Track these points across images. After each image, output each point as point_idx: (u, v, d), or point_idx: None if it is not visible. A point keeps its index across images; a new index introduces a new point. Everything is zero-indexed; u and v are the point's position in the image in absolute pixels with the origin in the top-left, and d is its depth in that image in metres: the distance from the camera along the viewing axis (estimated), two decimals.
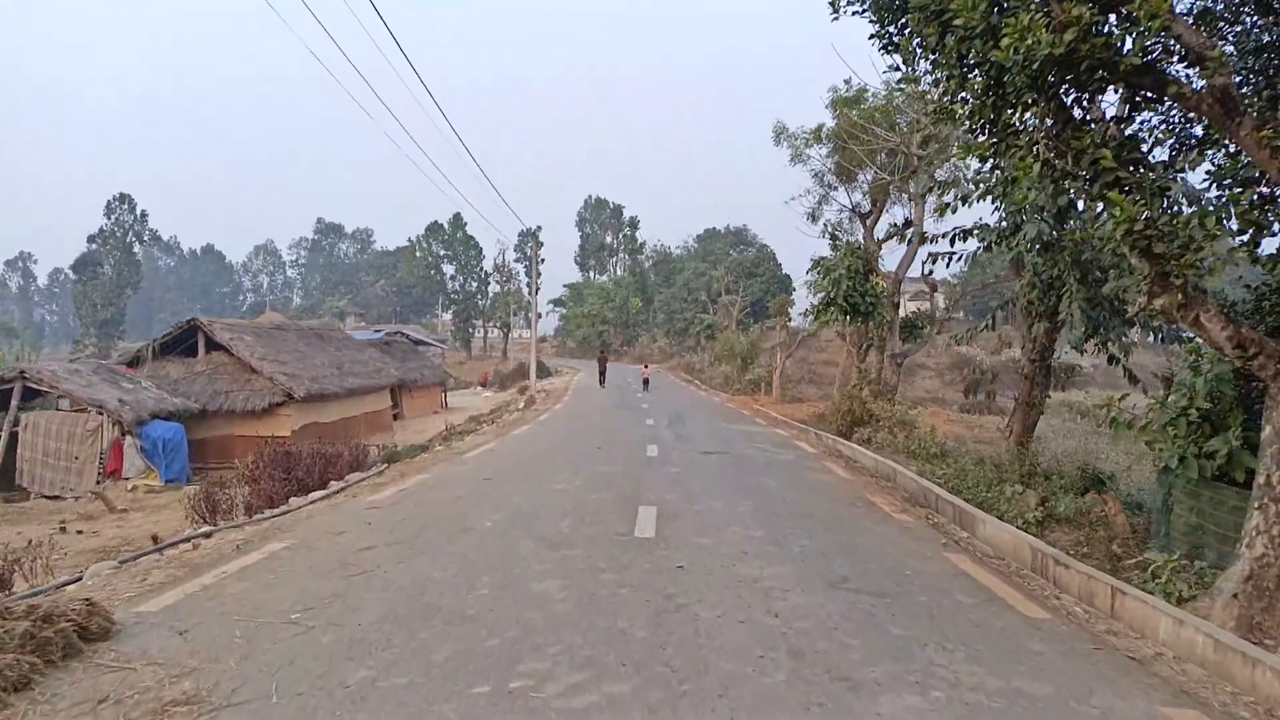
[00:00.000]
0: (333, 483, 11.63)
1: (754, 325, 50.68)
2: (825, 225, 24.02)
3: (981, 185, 9.99)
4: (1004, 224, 11.51)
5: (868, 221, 26.14)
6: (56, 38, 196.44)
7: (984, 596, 6.00)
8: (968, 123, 6.62)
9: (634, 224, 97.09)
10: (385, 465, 13.19)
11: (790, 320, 40.45)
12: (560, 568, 6.22)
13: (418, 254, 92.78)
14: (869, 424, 19.40)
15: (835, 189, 26.55)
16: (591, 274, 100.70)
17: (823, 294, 21.38)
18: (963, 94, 6.33)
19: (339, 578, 5.89)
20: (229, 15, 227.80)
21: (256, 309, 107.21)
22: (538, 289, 33.04)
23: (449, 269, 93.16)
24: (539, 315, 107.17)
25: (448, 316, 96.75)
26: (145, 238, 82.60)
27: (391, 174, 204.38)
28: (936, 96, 7.45)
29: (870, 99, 24.20)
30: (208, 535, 7.92)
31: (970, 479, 10.54)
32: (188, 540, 7.55)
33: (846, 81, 24.48)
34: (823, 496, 10.35)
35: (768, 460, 13.59)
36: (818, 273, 21.68)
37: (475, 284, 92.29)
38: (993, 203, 10.24)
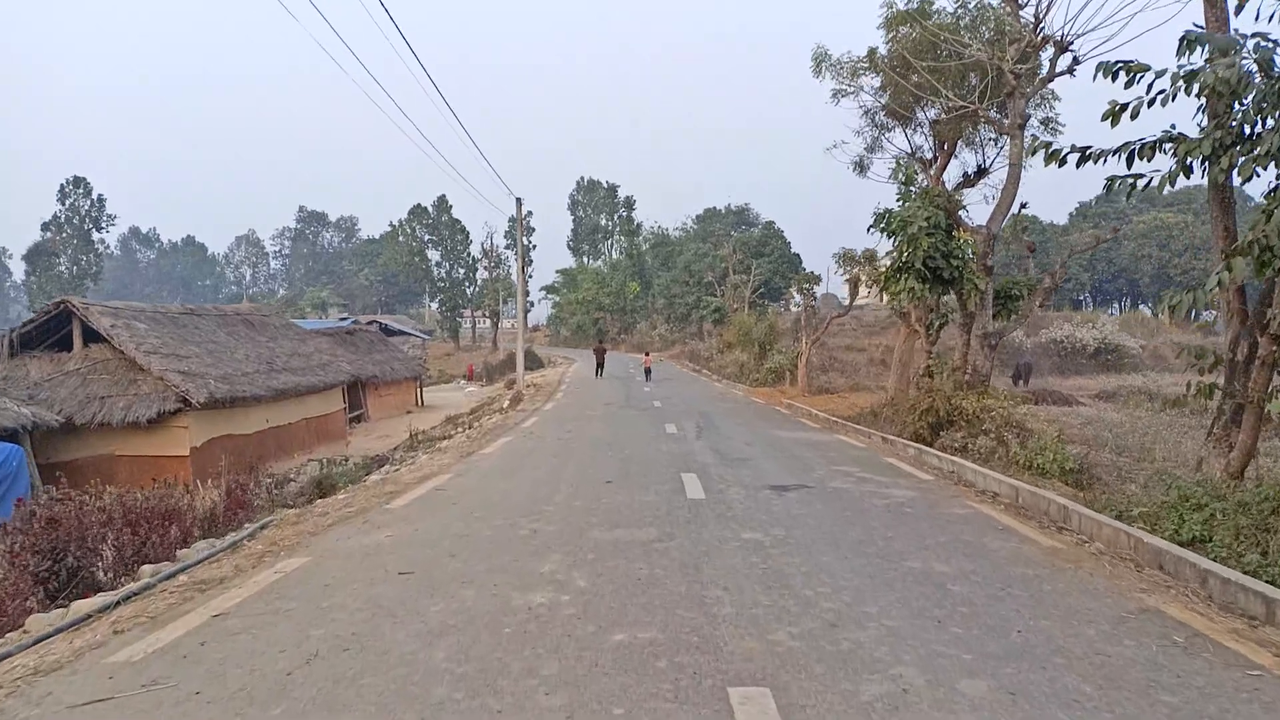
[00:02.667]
0: (145, 569, 6.41)
1: (771, 307, 45.56)
2: (898, 163, 18.73)
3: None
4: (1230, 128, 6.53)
5: (932, 169, 20.98)
6: (20, 18, 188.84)
7: None
8: None
9: (630, 204, 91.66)
10: (261, 526, 7.94)
11: (815, 299, 35.24)
12: None
13: (400, 239, 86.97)
14: (958, 425, 14.46)
15: (890, 129, 21.31)
16: (585, 259, 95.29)
17: (894, 257, 16.25)
18: None
19: None
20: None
21: (235, 301, 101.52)
22: (525, 266, 27.74)
23: (434, 255, 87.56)
24: (526, 297, 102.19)
25: (434, 306, 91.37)
26: (104, 224, 76.55)
27: (376, 159, 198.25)
28: None
29: (936, 14, 19.06)
30: None
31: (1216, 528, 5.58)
32: None
33: None
34: (1059, 606, 5.18)
35: (885, 503, 8.42)
36: (884, 229, 16.51)
37: (462, 271, 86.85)
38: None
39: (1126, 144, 7.27)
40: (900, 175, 16.32)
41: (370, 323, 49.93)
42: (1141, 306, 75.06)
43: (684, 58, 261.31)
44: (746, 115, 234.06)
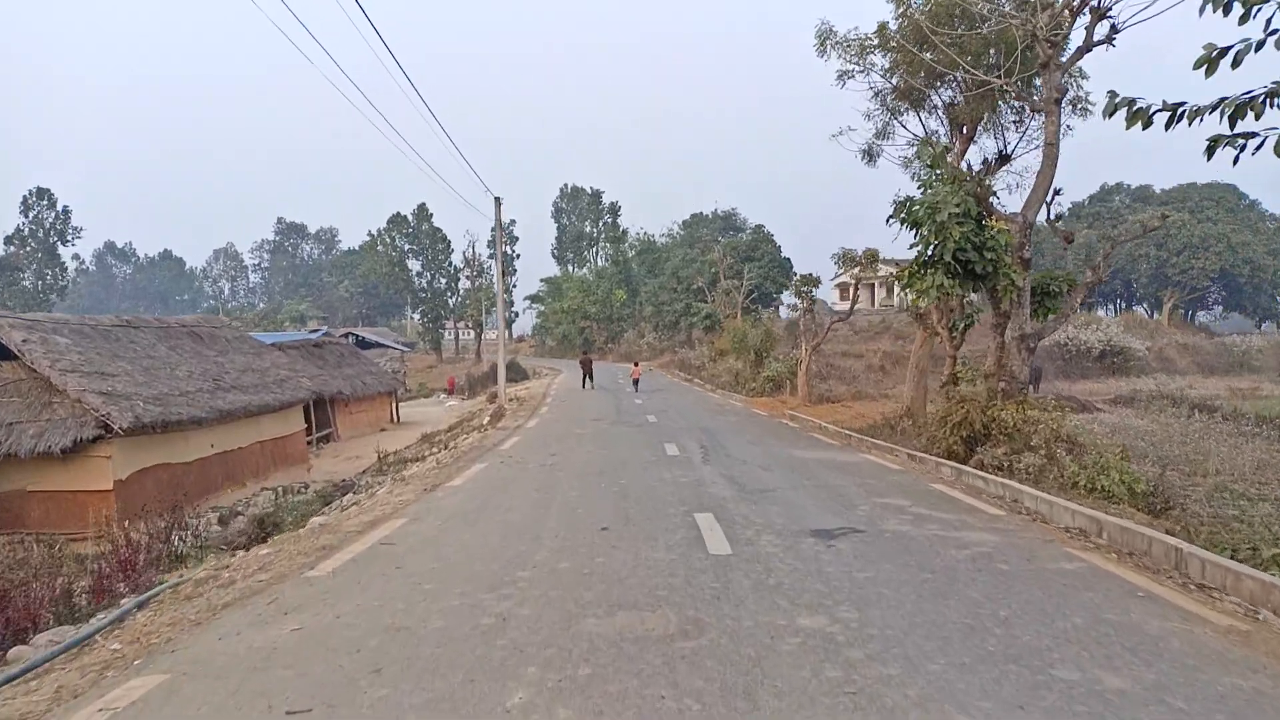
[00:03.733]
0: None
1: (767, 312, 43.76)
2: (923, 143, 16.85)
3: None
4: None
5: (950, 155, 19.16)
6: None
7: None
8: None
9: (615, 210, 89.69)
10: (138, 604, 5.85)
11: (814, 301, 33.34)
12: None
13: (379, 248, 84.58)
14: (995, 439, 12.71)
15: (902, 113, 19.48)
16: (570, 267, 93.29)
17: (918, 251, 14.39)
18: None
19: None
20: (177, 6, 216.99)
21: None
22: (505, 272, 25.72)
23: (415, 265, 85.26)
24: (510, 306, 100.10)
25: (416, 317, 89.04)
26: (70, 237, 73.69)
27: (356, 168, 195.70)
28: None
29: None
30: None
31: None
32: None
33: None
34: None
35: (966, 554, 6.45)
36: (905, 219, 14.66)
37: (444, 281, 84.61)
38: None
39: (1227, 98, 5.40)
40: (924, 157, 14.46)
41: (345, 335, 47.67)
42: (1136, 308, 73.95)
43: (670, 58, 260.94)
44: (734, 118, 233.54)
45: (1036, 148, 18.74)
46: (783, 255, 63.01)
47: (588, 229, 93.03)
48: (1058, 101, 14.31)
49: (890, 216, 16.15)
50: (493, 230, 77.25)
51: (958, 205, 13.54)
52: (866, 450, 14.03)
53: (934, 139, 19.39)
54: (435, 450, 19.79)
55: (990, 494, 9.75)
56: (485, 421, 22.76)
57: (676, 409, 23.11)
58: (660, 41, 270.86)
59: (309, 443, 24.46)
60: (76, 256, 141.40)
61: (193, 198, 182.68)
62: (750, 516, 7.79)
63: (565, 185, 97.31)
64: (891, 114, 19.45)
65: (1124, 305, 74.21)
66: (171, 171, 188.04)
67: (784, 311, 58.31)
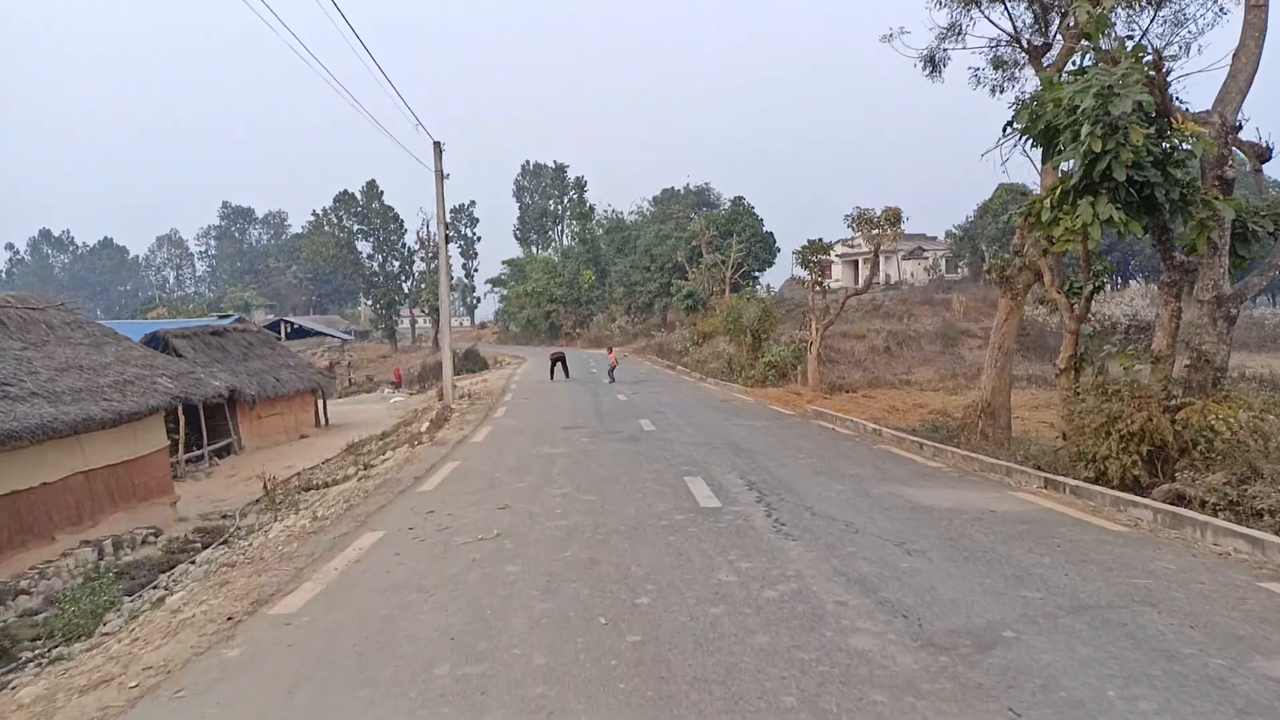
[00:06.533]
0: None
1: (758, 289, 38.72)
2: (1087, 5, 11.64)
3: None
4: None
5: (1042, 59, 14.08)
6: None
7: None
8: None
9: (581, 185, 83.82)
10: None
11: (823, 278, 28.22)
12: None
13: (326, 228, 77.57)
14: (1199, 456, 8.00)
15: (977, 3, 14.28)
16: (534, 248, 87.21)
17: (1073, 169, 9.32)
18: None
19: None
20: None
21: (152, 307, 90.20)
22: (447, 235, 20.27)
23: (366, 247, 78.43)
24: (470, 291, 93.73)
25: (369, 303, 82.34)
26: None
27: (306, 149, 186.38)
28: None
29: None
30: None
31: None
32: None
33: None
34: None
35: None
36: (1033, 125, 9.62)
37: (397, 263, 77.97)
38: None
39: None
40: (1086, 18, 9.23)
41: (277, 322, 41.59)
42: (1133, 282, 70.27)
43: (639, 28, 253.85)
44: (705, 89, 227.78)
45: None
46: (765, 229, 57.97)
47: (552, 206, 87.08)
48: None
49: (1010, 123, 11.06)
50: (453, 210, 71.81)
51: (1142, 92, 8.44)
52: (1005, 482, 8.92)
53: (1023, 36, 14.25)
54: (354, 468, 14.33)
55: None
56: (424, 429, 17.31)
57: (674, 407, 17.86)
58: (626, 10, 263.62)
59: (190, 461, 18.77)
60: (10, 246, 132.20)
61: (134, 181, 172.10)
62: None
63: (527, 162, 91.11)
64: (964, 2, 14.24)
65: (1120, 280, 70.66)
66: (112, 155, 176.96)
67: (760, 290, 53.06)
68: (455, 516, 7.34)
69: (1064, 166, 9.82)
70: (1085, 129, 8.56)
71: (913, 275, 63.99)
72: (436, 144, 20.22)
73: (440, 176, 20.07)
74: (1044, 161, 10.86)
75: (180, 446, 18.64)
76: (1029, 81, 14.51)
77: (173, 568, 10.90)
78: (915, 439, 12.25)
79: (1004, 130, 11.66)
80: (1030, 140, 10.12)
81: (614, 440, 12.35)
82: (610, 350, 32.08)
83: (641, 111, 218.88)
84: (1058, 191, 9.47)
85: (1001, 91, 14.70)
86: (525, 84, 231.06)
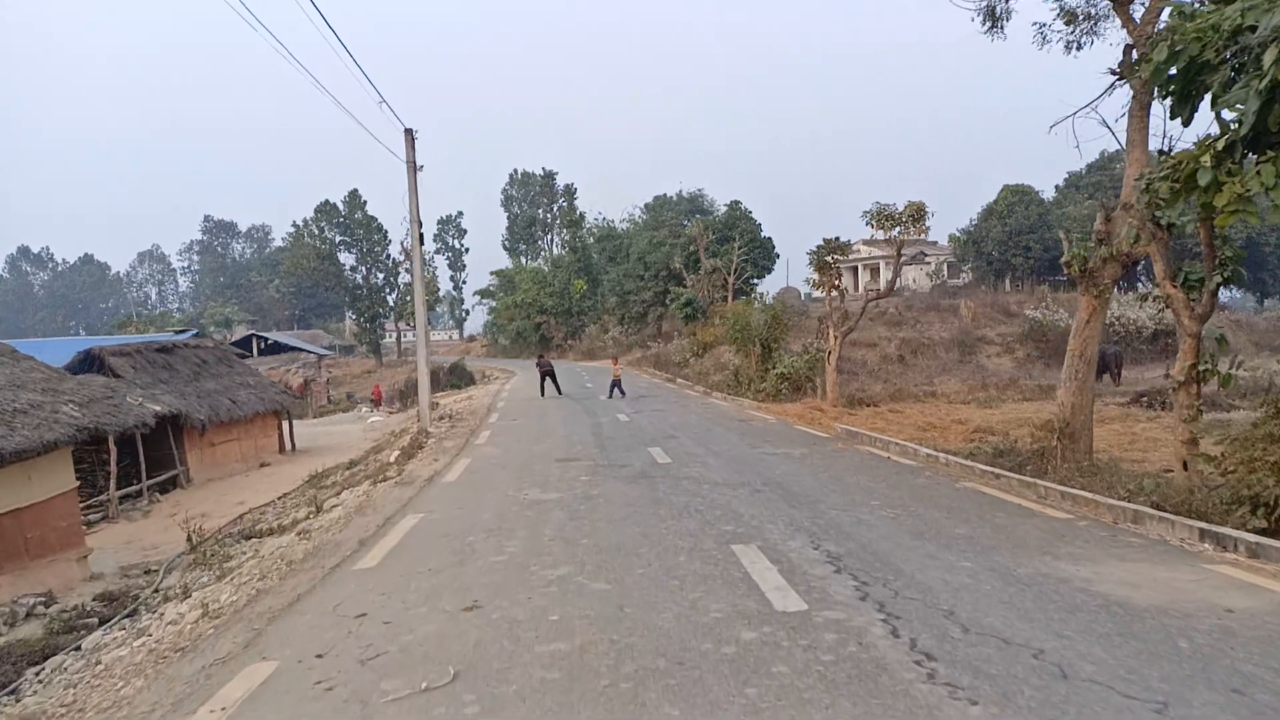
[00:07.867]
0: None
1: (762, 295, 36.29)
2: None
3: None
4: None
5: (1129, 8, 11.71)
6: None
7: None
8: None
9: (570, 192, 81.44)
10: None
11: (839, 280, 25.77)
12: None
13: (307, 239, 74.83)
14: None
15: None
16: (523, 259, 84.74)
17: (1241, 115, 6.84)
18: None
19: None
20: None
21: (124, 323, 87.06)
22: (420, 234, 17.75)
23: (348, 259, 75.76)
24: (459, 303, 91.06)
25: (353, 317, 79.57)
26: None
27: (289, 163, 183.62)
28: None
29: None
30: None
31: None
32: None
33: None
34: None
35: None
36: (1165, 67, 7.22)
37: (381, 275, 75.38)
38: None
39: None
40: None
41: (249, 337, 38.85)
42: (1140, 284, 68.35)
43: (630, 32, 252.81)
44: (698, 90, 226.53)
45: None
46: (763, 234, 55.62)
47: (541, 215, 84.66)
48: None
49: (1134, 64, 8.72)
50: (440, 221, 68.93)
51: None
52: (1184, 546, 6.43)
53: None
54: (306, 508, 11.72)
55: None
56: (393, 459, 14.72)
57: (686, 430, 15.32)
58: (617, 14, 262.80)
59: (127, 499, 16.10)
60: None
61: (114, 197, 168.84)
62: None
63: (515, 170, 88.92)
64: None
65: (1126, 285, 68.69)
66: (92, 169, 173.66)
67: (758, 298, 50.50)
68: (395, 628, 4.77)
69: (1225, 116, 7.40)
70: (1271, 54, 6.11)
71: (915, 281, 61.99)
72: (408, 131, 17.74)
73: (413, 168, 17.60)
74: (1174, 115, 8.41)
75: (112, 482, 16.00)
76: (1111, 35, 12.11)
77: (51, 655, 8.31)
78: (991, 469, 9.80)
79: (1115, 74, 9.27)
80: (1159, 89, 7.76)
81: (622, 480, 9.78)
82: (615, 361, 29.50)
83: (631, 117, 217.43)
84: (1211, 148, 7.05)
85: (1079, 48, 12.29)
86: (510, 90, 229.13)
